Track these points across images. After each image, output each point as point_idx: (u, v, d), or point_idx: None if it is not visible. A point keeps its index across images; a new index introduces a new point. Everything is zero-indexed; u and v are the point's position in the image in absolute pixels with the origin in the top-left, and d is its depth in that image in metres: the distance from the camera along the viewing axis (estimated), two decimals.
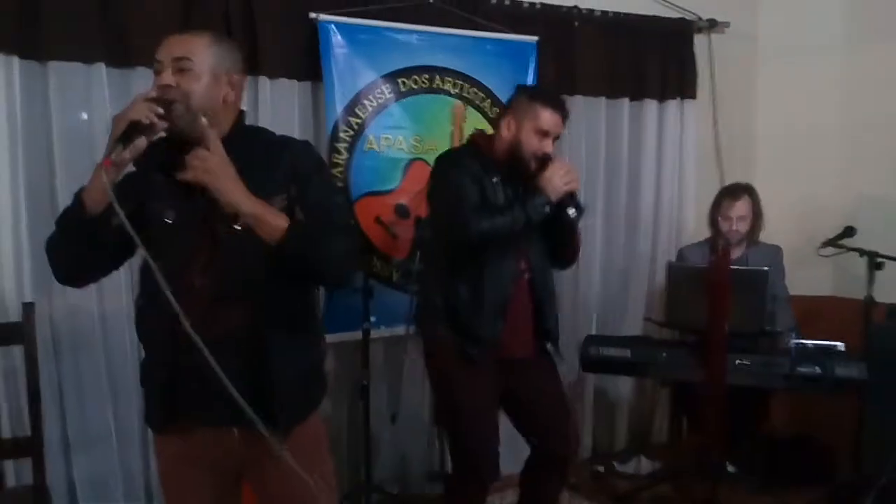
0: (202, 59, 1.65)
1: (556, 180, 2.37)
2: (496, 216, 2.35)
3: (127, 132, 1.51)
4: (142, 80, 2.87)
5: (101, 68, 2.82)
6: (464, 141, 3.40)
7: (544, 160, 2.43)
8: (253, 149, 1.73)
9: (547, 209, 2.37)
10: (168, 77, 1.63)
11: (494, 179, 2.47)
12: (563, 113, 2.48)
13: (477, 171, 2.45)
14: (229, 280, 1.66)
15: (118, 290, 2.87)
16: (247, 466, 1.81)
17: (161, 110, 1.56)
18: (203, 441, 1.73)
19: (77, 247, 1.63)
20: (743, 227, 3.45)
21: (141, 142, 1.54)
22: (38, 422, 2.43)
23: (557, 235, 2.54)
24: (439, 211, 2.56)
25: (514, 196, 2.45)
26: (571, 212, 2.41)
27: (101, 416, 2.90)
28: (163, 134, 1.61)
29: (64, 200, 2.76)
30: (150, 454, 3.01)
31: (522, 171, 2.47)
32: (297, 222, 1.64)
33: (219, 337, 1.56)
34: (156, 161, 1.66)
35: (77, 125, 2.83)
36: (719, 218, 3.50)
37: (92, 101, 2.83)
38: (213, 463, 1.76)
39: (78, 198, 1.60)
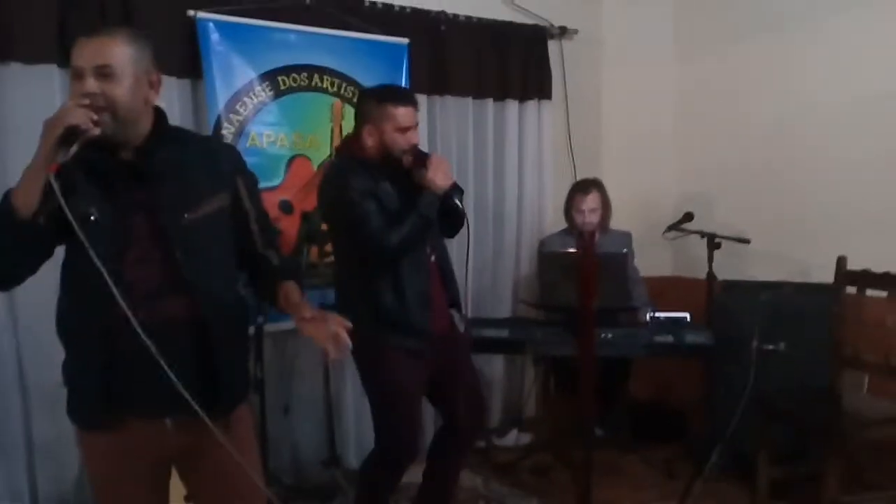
0: (122, 63, 1.65)
1: (438, 179, 2.52)
2: (401, 228, 2.48)
3: (66, 136, 1.52)
4: (15, 76, 2.80)
5: None
6: (336, 148, 3.52)
7: (418, 154, 2.57)
8: (188, 148, 1.79)
9: (437, 205, 2.54)
10: (92, 84, 1.62)
11: (384, 184, 2.56)
12: (413, 103, 2.61)
13: (366, 183, 2.52)
14: (170, 272, 1.69)
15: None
16: (178, 456, 1.84)
17: (96, 116, 1.57)
18: (136, 433, 1.73)
19: (8, 249, 1.60)
20: (594, 218, 3.79)
21: (75, 146, 1.54)
22: None
23: (448, 219, 2.69)
24: (346, 235, 2.62)
25: (403, 193, 2.57)
26: (457, 201, 2.59)
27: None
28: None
29: None
30: (36, 467, 2.95)
31: (402, 170, 2.59)
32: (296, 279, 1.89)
33: (157, 328, 1.59)
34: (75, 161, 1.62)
35: None
36: (573, 211, 3.83)
37: None
38: (147, 454, 1.78)
39: (8, 200, 1.57)
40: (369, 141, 2.57)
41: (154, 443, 1.76)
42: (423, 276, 2.61)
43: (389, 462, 2.70)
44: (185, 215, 1.71)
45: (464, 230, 2.71)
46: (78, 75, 1.64)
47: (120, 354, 1.67)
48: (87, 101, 1.58)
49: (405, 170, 2.59)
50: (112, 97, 1.62)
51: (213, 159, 1.82)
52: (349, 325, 1.71)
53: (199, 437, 1.73)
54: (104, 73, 1.62)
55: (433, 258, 2.70)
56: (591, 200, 3.78)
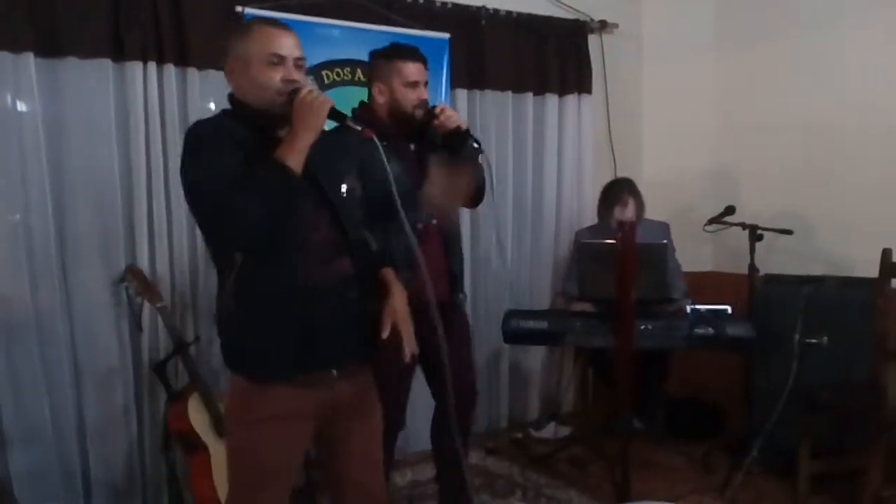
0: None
1: (447, 120, 2.46)
2: None
3: (331, 114, 1.82)
4: (71, 70, 2.91)
5: (29, 58, 2.81)
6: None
7: (429, 109, 2.53)
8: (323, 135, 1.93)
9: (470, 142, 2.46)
10: (296, 73, 1.86)
11: (384, 144, 2.56)
12: (421, 59, 2.59)
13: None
14: (336, 237, 1.91)
15: (51, 279, 2.89)
16: (334, 410, 1.94)
17: None
18: (305, 386, 1.86)
19: (286, 204, 1.79)
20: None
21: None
22: None
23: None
24: None
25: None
26: (474, 144, 2.49)
27: (37, 410, 2.88)
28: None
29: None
30: (88, 447, 3.04)
31: (414, 125, 2.55)
32: None
33: (334, 284, 1.87)
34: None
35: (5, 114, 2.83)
36: (609, 219, 3.74)
37: (21, 91, 2.83)
38: (309, 408, 1.89)
39: (284, 164, 1.75)
40: (380, 99, 2.57)
41: (320, 394, 1.89)
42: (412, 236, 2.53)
43: None
44: (342, 187, 1.95)
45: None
46: (279, 63, 1.84)
47: (305, 310, 1.84)
48: (311, 88, 1.83)
49: (418, 126, 2.55)
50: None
51: (343, 143, 2.01)
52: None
53: (360, 387, 1.98)
54: (299, 64, 1.88)
55: (434, 220, 2.59)
56: (629, 210, 3.71)
